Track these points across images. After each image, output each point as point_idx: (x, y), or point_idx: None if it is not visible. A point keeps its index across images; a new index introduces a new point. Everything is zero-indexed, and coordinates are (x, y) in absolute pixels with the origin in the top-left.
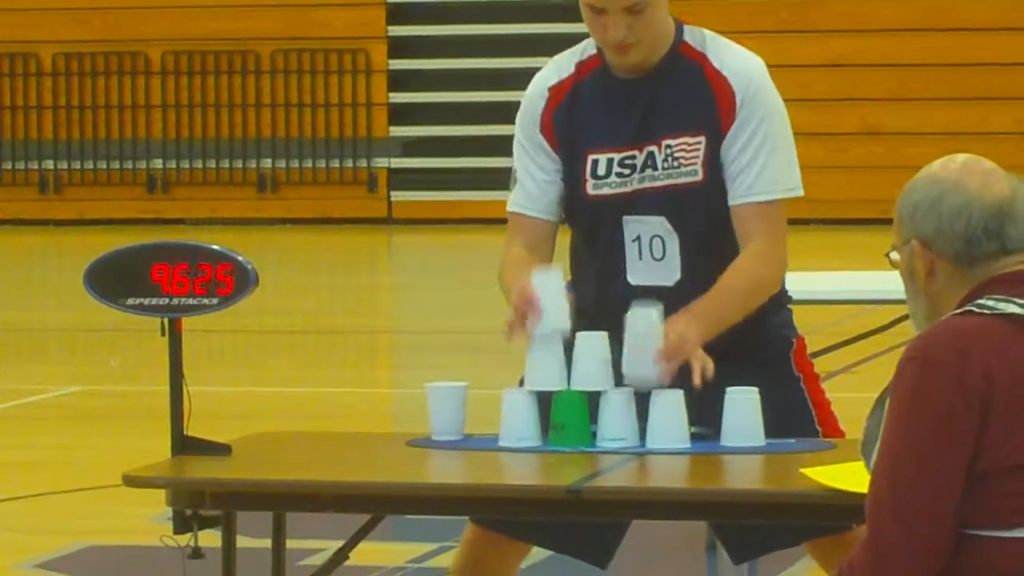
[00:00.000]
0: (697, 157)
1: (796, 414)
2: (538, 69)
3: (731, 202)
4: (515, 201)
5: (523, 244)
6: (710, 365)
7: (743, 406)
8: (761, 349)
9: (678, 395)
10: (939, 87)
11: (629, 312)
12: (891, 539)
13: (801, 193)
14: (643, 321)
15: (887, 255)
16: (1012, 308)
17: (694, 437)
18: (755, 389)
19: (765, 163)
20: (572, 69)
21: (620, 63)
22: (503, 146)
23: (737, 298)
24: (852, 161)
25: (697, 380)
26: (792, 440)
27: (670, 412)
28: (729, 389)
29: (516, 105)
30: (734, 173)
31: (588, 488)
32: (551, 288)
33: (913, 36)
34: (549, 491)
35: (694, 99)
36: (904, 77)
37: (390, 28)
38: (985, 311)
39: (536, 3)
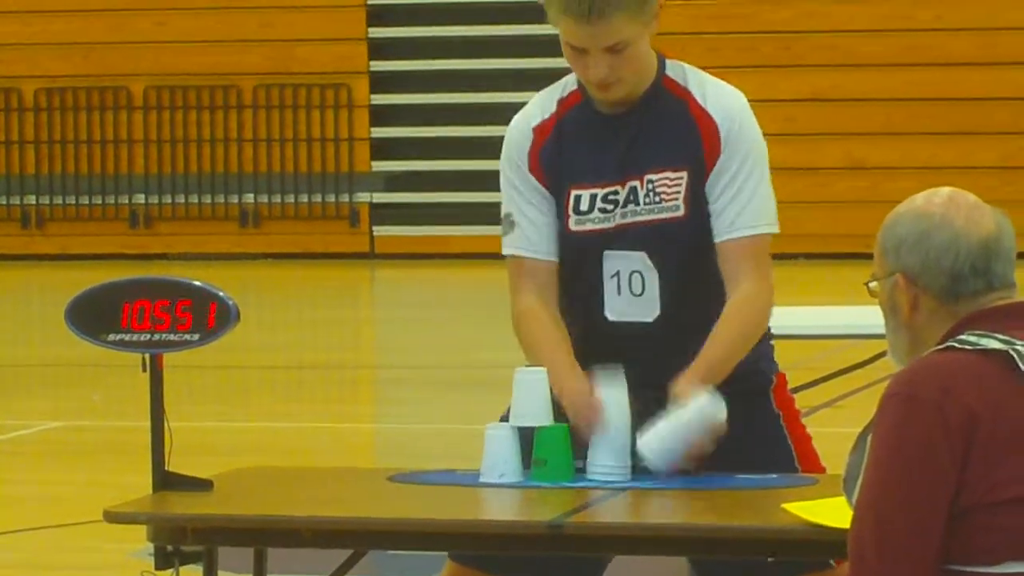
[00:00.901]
0: (679, 192)
1: (774, 450)
2: (521, 104)
3: (716, 238)
4: (516, 244)
5: (533, 291)
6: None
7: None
8: (740, 384)
9: None
10: (923, 121)
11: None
12: (874, 575)
13: (777, 230)
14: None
15: (866, 284)
16: (994, 344)
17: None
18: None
19: (749, 198)
20: (554, 107)
21: (602, 99)
22: (486, 181)
23: (733, 347)
24: (836, 195)
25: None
26: (774, 475)
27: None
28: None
29: (499, 140)
30: (719, 209)
31: (570, 523)
32: (618, 394)
33: (896, 71)
34: (531, 526)
35: (677, 135)
36: (888, 111)
37: (372, 63)
38: (967, 347)
39: (519, 38)
